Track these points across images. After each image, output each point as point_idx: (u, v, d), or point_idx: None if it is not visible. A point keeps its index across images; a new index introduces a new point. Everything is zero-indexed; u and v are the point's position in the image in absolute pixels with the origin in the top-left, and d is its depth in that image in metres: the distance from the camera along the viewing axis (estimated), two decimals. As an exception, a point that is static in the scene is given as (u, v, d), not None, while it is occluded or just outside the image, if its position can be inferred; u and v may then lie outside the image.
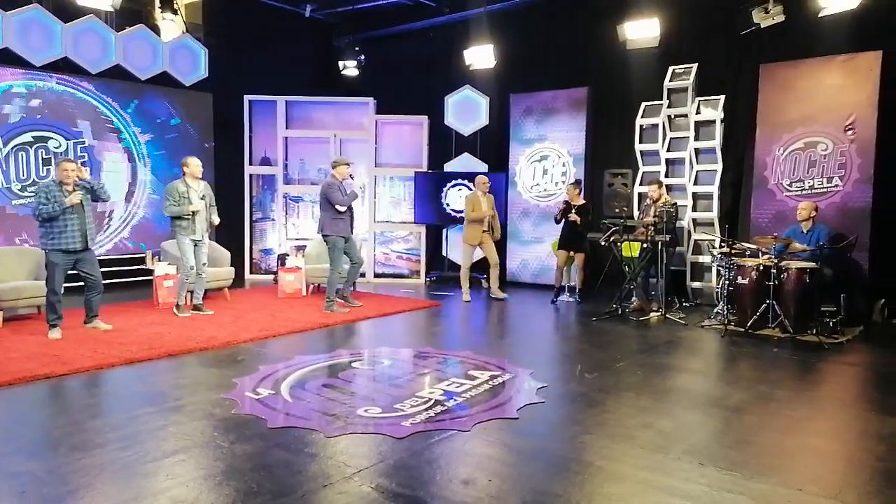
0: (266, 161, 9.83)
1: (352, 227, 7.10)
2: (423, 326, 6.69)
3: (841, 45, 6.78)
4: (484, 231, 7.90)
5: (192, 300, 6.78)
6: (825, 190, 6.88)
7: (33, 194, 5.57)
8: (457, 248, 9.72)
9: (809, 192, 6.96)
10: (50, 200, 5.41)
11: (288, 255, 8.43)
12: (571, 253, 7.80)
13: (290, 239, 9.72)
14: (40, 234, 5.56)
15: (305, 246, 8.80)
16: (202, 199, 6.61)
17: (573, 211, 7.65)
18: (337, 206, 6.81)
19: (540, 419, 3.82)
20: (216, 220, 6.77)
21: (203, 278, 6.81)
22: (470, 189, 9.20)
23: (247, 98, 9.67)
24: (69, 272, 5.70)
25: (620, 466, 3.14)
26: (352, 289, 7.33)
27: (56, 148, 8.01)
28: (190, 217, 6.49)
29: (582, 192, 7.92)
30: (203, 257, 6.76)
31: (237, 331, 5.93)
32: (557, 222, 7.81)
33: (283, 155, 9.72)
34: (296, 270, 8.11)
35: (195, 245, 6.62)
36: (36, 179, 7.82)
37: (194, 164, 6.63)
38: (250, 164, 9.77)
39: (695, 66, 7.74)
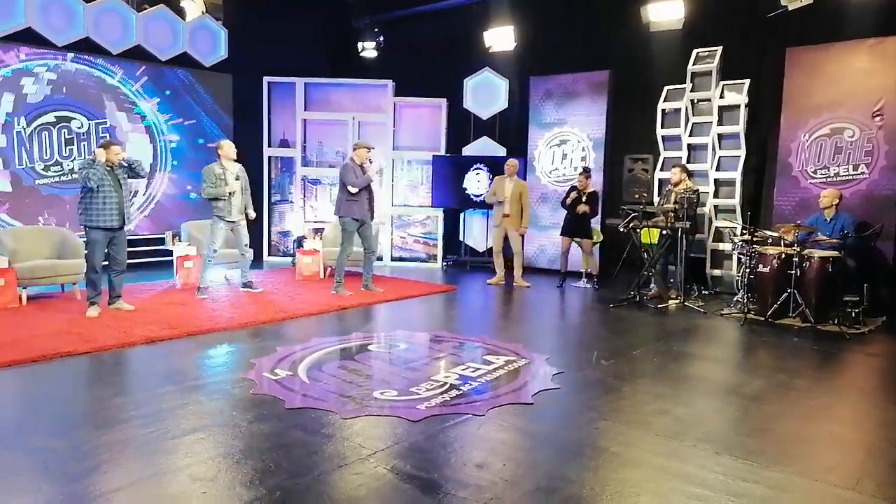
0: (285, 143, 9.86)
1: (371, 212, 7.07)
2: (439, 311, 6.71)
3: (870, 29, 6.60)
4: (505, 215, 7.84)
5: (241, 279, 7.06)
6: (851, 177, 6.75)
7: (77, 173, 5.70)
8: (473, 232, 9.75)
9: (835, 179, 6.83)
10: (95, 174, 5.54)
11: (306, 238, 8.48)
12: (576, 239, 7.83)
13: (308, 221, 9.77)
14: (80, 210, 5.69)
15: (323, 229, 8.84)
16: (237, 180, 6.73)
17: (583, 200, 7.64)
18: (349, 188, 6.82)
19: (555, 405, 3.83)
20: (252, 214, 6.94)
21: (247, 258, 7.01)
22: (488, 172, 9.21)
23: (266, 80, 9.68)
24: None
25: (636, 453, 3.14)
26: (371, 275, 7.30)
27: (78, 128, 8.10)
28: (227, 199, 6.62)
29: (591, 181, 7.88)
30: (244, 238, 6.91)
31: (255, 312, 5.99)
32: (564, 207, 7.82)
33: (301, 137, 9.74)
34: (313, 253, 8.16)
35: (232, 227, 6.75)
36: (59, 159, 7.92)
37: (228, 147, 6.78)
38: (269, 146, 9.80)
39: (719, 48, 7.60)
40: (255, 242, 8.48)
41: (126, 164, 5.84)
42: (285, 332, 5.43)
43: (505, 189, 7.86)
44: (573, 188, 7.81)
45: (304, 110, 9.72)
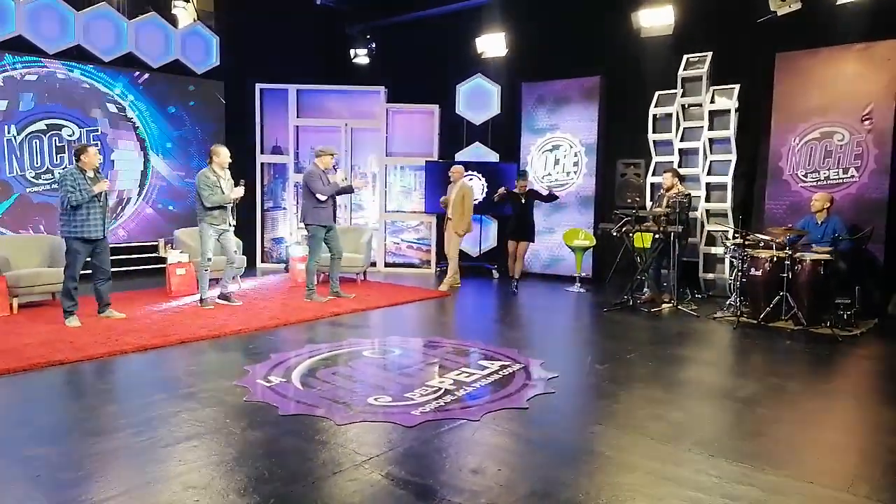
0: (277, 150, 9.85)
1: (335, 217, 7.10)
2: (433, 316, 6.70)
3: (858, 34, 6.67)
4: (448, 218, 7.97)
5: (220, 288, 6.74)
6: (841, 181, 6.80)
7: (58, 183, 5.55)
8: (467, 237, 9.70)
9: (825, 182, 6.88)
10: (76, 188, 5.42)
11: (299, 244, 8.45)
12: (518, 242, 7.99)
13: (301, 228, 9.73)
14: (62, 222, 5.56)
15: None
16: (235, 186, 6.56)
17: (522, 201, 7.86)
18: (318, 196, 6.79)
19: (550, 409, 3.82)
20: (232, 223, 6.64)
21: (235, 266, 6.84)
22: (481, 178, 9.23)
23: (258, 86, 9.69)
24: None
25: (630, 457, 3.14)
26: (338, 280, 7.20)
27: (69, 136, 8.06)
28: (224, 207, 6.45)
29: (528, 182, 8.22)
30: (233, 245, 6.72)
31: (248, 319, 5.97)
32: (494, 203, 8.13)
33: (294, 144, 9.74)
34: (306, 259, 8.14)
35: (222, 234, 6.52)
36: (50, 167, 7.88)
37: (224, 153, 6.51)
38: (262, 152, 9.79)
39: (709, 54, 7.65)
40: (248, 249, 8.47)
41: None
42: (279, 339, 5.41)
43: (450, 194, 7.96)
44: (511, 194, 7.93)
45: (297, 117, 9.72)
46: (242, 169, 9.41)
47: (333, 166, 7.02)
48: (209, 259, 6.48)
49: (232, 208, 6.58)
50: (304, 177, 6.91)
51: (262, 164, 9.80)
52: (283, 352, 4.93)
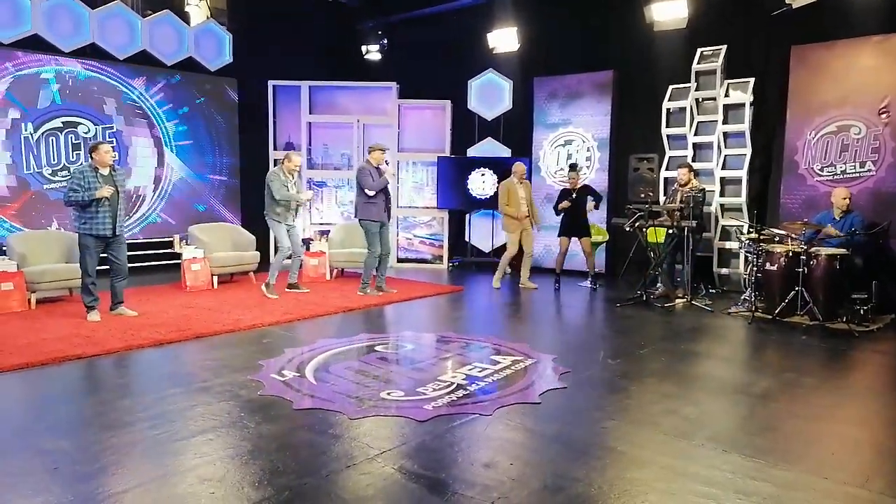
0: (290, 146, 9.88)
1: (388, 214, 7.14)
2: (445, 311, 6.71)
3: (874, 26, 6.56)
4: (524, 218, 7.70)
5: (288, 279, 7.23)
6: (857, 175, 6.72)
7: (68, 178, 5.63)
8: (479, 233, 9.74)
9: (841, 177, 6.80)
10: (82, 188, 5.45)
11: (312, 240, 8.50)
12: (574, 239, 7.76)
13: (315, 224, 9.79)
14: (73, 216, 5.68)
15: (329, 231, 8.86)
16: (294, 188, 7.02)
17: (573, 196, 7.59)
18: (366, 191, 6.85)
19: (562, 404, 3.82)
20: (309, 195, 7.39)
21: (298, 258, 7.21)
22: (493, 173, 9.19)
23: (271, 83, 9.72)
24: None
25: (643, 452, 3.13)
26: (384, 277, 7.32)
27: (85, 133, 8.15)
28: (287, 205, 6.86)
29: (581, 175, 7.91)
30: (298, 238, 7.15)
31: (262, 314, 6.01)
32: (558, 214, 7.78)
33: (306, 140, 9.77)
34: (320, 255, 8.19)
35: (289, 230, 6.99)
36: (66, 164, 7.98)
37: (296, 159, 7.04)
38: (275, 149, 9.83)
39: (724, 47, 7.57)
40: (262, 244, 8.53)
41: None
42: (292, 334, 5.44)
43: (519, 195, 7.65)
44: (564, 192, 7.75)
45: (310, 113, 9.75)
46: (255, 165, 9.53)
47: (385, 161, 7.10)
48: (288, 247, 6.94)
49: (296, 209, 7.06)
50: (356, 173, 7.11)
51: (275, 160, 9.83)
52: (296, 346, 4.96)
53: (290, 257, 7.08)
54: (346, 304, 6.55)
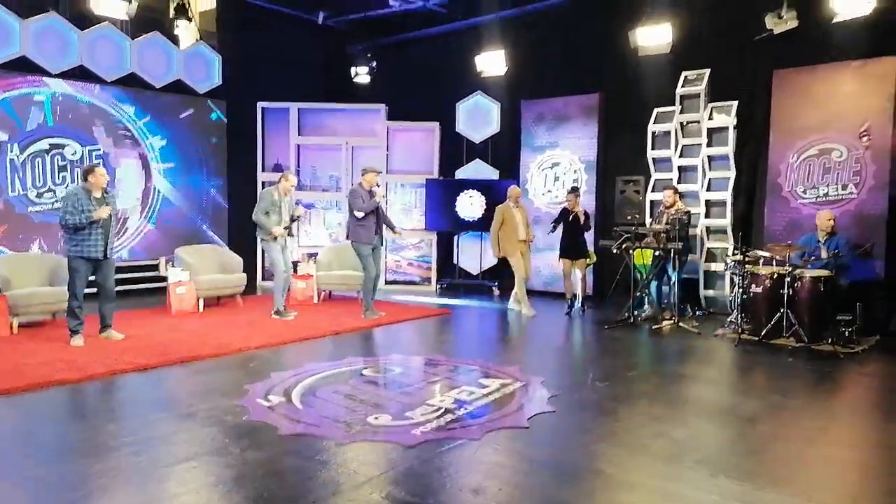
0: (278, 168, 9.88)
1: (380, 237, 7.18)
2: (433, 334, 6.71)
3: (855, 51, 6.73)
4: (522, 242, 7.65)
5: (276, 304, 7.08)
6: (840, 197, 6.83)
7: (61, 201, 5.62)
8: (467, 254, 9.76)
9: (824, 199, 6.91)
10: (77, 210, 5.46)
11: (300, 262, 8.48)
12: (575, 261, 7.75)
13: (303, 246, 9.78)
14: (65, 239, 5.67)
15: (317, 253, 8.85)
16: (287, 212, 7.09)
17: (570, 218, 7.61)
18: (356, 213, 6.87)
19: (551, 428, 3.82)
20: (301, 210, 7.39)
21: (288, 278, 7.17)
22: (481, 195, 9.25)
23: (260, 105, 9.77)
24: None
25: (632, 475, 3.14)
26: (373, 298, 7.25)
27: (72, 155, 8.12)
28: (272, 236, 6.90)
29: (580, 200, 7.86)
30: (289, 259, 7.21)
31: (249, 337, 5.97)
32: (551, 232, 7.83)
33: (295, 162, 9.80)
34: (307, 277, 8.17)
35: (284, 248, 7.06)
36: (52, 186, 7.93)
37: (292, 180, 7.15)
38: (263, 170, 9.85)
39: (707, 71, 7.72)
40: (248, 267, 8.49)
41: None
42: (279, 358, 5.41)
43: (516, 219, 7.61)
44: (563, 212, 7.78)
45: (298, 135, 9.79)
46: (243, 187, 9.53)
47: (377, 184, 7.16)
48: (284, 269, 6.99)
49: (289, 228, 7.13)
50: (348, 195, 7.20)
51: (262, 182, 9.84)
52: (283, 370, 4.93)
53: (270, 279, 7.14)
54: (334, 328, 6.52)
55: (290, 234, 7.22)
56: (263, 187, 9.85)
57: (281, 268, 6.94)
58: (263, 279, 9.84)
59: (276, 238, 6.93)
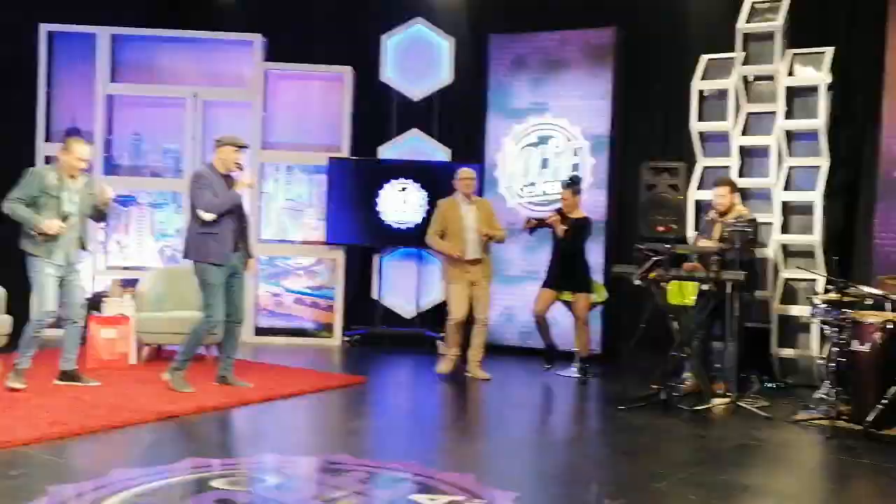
0: (74, 132, 9.68)
1: (246, 250, 7.08)
2: (337, 419, 6.68)
3: None
4: (473, 263, 7.72)
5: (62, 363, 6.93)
6: None
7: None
8: (397, 286, 9.74)
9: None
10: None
11: (107, 296, 8.29)
12: (564, 294, 7.90)
13: (112, 268, 9.58)
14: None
15: (137, 280, 8.66)
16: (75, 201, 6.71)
17: (565, 228, 7.74)
18: (201, 214, 6.73)
19: (528, 577, 3.81)
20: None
21: (78, 327, 6.92)
22: (421, 188, 9.27)
23: (44, 28, 9.62)
24: None
25: None
26: (233, 360, 7.21)
27: None
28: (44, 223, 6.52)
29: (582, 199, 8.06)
30: (79, 295, 6.91)
31: (12, 425, 5.77)
32: (530, 233, 8.01)
33: (104, 125, 9.68)
34: (120, 321, 7.98)
35: (58, 275, 6.69)
36: None
37: (79, 149, 6.71)
38: (47, 139, 9.66)
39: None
40: (18, 303, 8.24)
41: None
42: (65, 460, 5.25)
43: (465, 221, 7.76)
44: (557, 210, 7.94)
45: (111, 81, 9.70)
46: (11, 164, 9.26)
47: (238, 165, 6.99)
48: (51, 309, 6.64)
49: (80, 237, 6.85)
50: (189, 183, 6.97)
51: (46, 157, 9.60)
52: (71, 482, 4.77)
53: (57, 325, 6.86)
54: (163, 407, 6.39)
55: (83, 247, 6.91)
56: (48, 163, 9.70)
57: (46, 304, 6.60)
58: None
59: (47, 238, 6.53)
